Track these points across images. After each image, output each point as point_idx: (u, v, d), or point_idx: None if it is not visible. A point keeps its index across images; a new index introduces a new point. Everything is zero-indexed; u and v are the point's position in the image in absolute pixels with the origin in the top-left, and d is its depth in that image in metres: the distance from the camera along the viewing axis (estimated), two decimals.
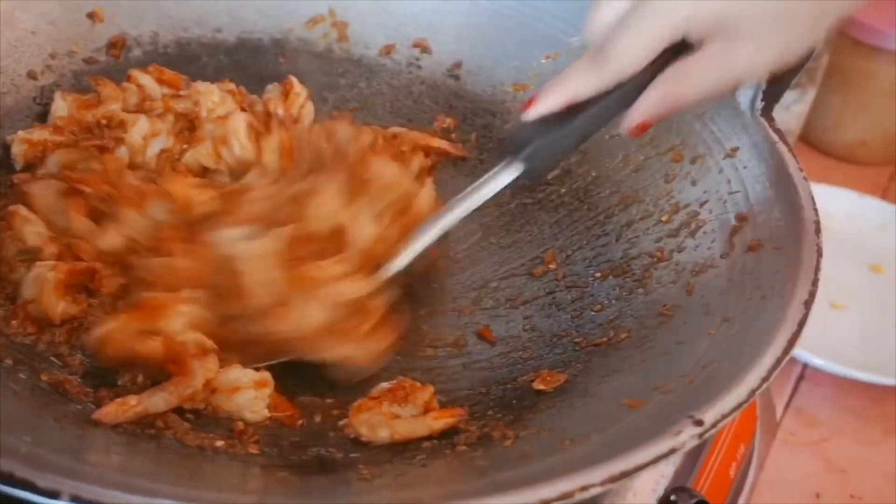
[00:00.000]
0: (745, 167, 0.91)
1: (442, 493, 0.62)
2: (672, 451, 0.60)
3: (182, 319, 0.77)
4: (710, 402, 0.64)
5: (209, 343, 0.77)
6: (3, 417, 0.61)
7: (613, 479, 0.57)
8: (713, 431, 0.62)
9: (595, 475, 0.57)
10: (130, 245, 0.84)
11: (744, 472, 1.04)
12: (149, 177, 0.91)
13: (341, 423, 0.77)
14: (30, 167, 0.92)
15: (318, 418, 0.79)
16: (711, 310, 0.80)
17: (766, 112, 0.93)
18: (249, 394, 0.76)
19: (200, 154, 0.95)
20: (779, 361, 0.67)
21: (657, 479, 0.83)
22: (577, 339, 0.87)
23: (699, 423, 0.62)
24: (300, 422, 0.78)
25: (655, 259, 0.91)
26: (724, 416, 0.63)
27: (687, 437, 0.61)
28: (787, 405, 1.26)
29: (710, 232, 0.89)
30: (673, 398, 0.69)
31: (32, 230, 0.83)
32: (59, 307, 0.77)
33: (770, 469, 1.10)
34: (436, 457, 0.71)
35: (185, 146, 0.97)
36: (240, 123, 0.96)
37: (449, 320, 0.92)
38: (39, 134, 0.93)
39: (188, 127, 0.99)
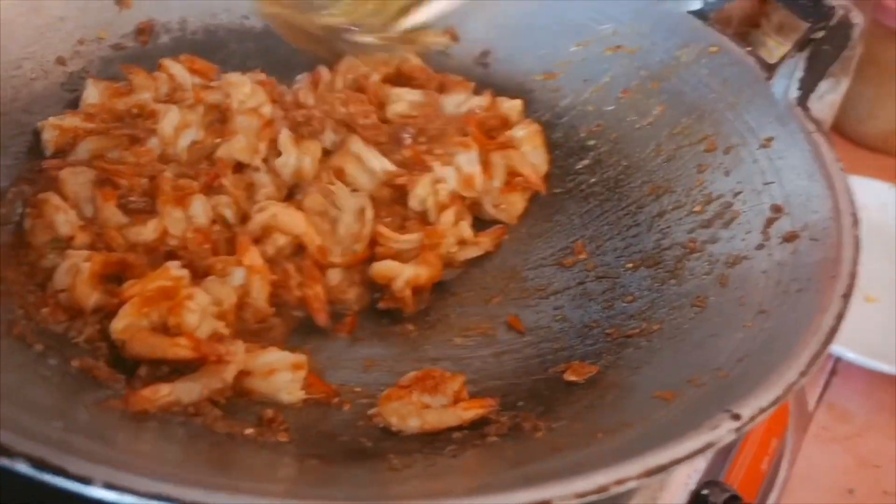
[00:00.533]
0: (780, 157, 0.90)
1: (472, 484, 0.62)
2: (709, 446, 0.59)
3: (195, 314, 0.76)
4: (746, 397, 0.63)
5: (225, 331, 0.77)
6: (33, 403, 0.61)
7: (650, 472, 0.56)
8: (750, 426, 0.61)
9: (631, 468, 0.56)
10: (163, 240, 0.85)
11: (776, 466, 1.03)
12: (182, 171, 0.91)
13: (371, 411, 0.77)
14: (60, 154, 0.92)
15: (347, 407, 0.78)
16: (746, 302, 0.79)
17: (802, 101, 0.92)
18: (286, 376, 0.76)
19: (234, 148, 0.94)
20: (817, 355, 0.66)
21: (689, 473, 0.82)
22: (608, 331, 0.86)
23: (736, 417, 0.61)
24: (336, 400, 0.78)
25: (688, 250, 0.90)
26: (762, 411, 0.62)
27: (724, 431, 0.60)
28: (819, 399, 1.24)
29: (744, 223, 0.88)
30: (707, 391, 0.68)
31: (64, 218, 0.83)
32: (92, 298, 0.77)
33: (802, 464, 1.08)
34: (466, 447, 0.71)
35: (218, 139, 0.96)
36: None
37: (478, 310, 0.91)
38: (70, 121, 0.93)
39: (219, 119, 0.99)
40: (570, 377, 0.80)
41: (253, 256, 0.83)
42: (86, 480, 0.50)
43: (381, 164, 0.96)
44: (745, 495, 0.89)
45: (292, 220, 0.87)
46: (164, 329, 0.76)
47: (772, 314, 0.75)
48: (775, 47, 1.49)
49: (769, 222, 0.85)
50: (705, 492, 0.85)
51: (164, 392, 0.70)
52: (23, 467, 0.50)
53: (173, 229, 0.86)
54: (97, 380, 0.71)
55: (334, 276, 0.87)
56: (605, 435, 0.66)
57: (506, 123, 1.06)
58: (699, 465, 0.83)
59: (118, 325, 0.75)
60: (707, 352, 0.75)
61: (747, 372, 0.69)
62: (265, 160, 0.96)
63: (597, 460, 0.60)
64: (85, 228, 0.83)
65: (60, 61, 1.00)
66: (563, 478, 0.56)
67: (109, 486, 0.50)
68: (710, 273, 0.85)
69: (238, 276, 0.82)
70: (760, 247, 0.84)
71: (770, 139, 0.91)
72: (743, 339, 0.74)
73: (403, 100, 1.05)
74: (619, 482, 0.55)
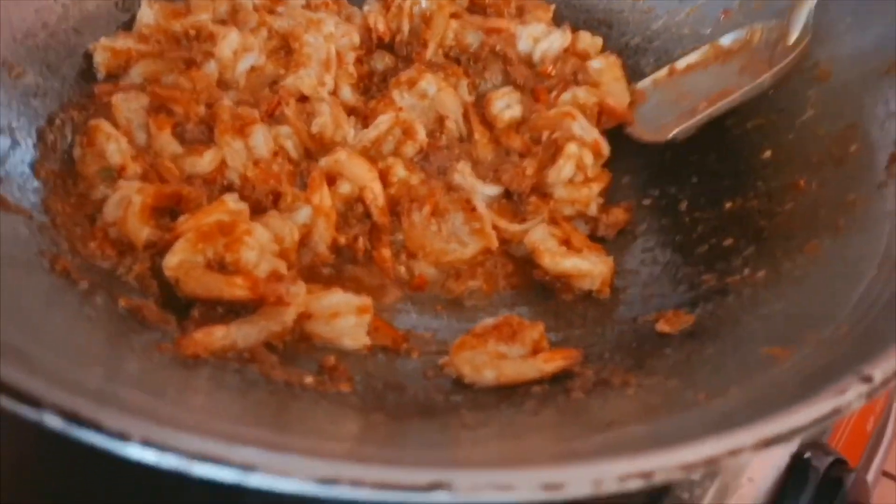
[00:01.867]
0: None
1: (557, 449, 0.54)
2: (836, 413, 0.51)
3: (254, 251, 0.70)
4: (877, 356, 0.54)
5: (285, 270, 0.71)
6: (74, 347, 0.56)
7: (767, 442, 0.48)
8: (883, 390, 0.52)
9: (744, 437, 0.48)
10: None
11: (882, 427, 0.94)
12: (241, 99, 0.85)
13: (441, 361, 0.70)
14: (112, 78, 0.86)
15: (415, 355, 0.72)
16: (867, 248, 0.69)
17: None
18: (349, 320, 0.70)
19: (302, 80, 0.87)
20: None
21: None
22: (705, 276, 0.77)
23: (867, 379, 0.52)
24: (404, 347, 0.72)
25: (796, 190, 0.80)
26: None
27: (853, 395, 0.51)
28: None
29: (862, 159, 0.77)
30: (827, 349, 0.60)
31: (115, 147, 0.77)
32: (144, 232, 0.71)
33: None
34: (547, 404, 0.64)
35: (282, 70, 0.90)
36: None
37: None
38: (123, 42, 0.87)
39: (282, 46, 0.92)
40: (662, 328, 0.72)
41: (323, 196, 0.77)
42: (122, 436, 0.44)
43: None
44: (849, 457, 0.81)
45: (358, 169, 0.81)
46: (221, 267, 0.71)
47: None
48: None
49: (893, 158, 0.75)
50: (808, 455, 0.77)
51: (219, 335, 0.65)
52: (52, 420, 0.44)
53: (232, 161, 0.80)
54: (146, 321, 0.65)
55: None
56: (708, 395, 0.58)
57: (585, 58, 0.97)
58: None
59: (171, 261, 0.69)
60: (823, 304, 0.66)
61: (874, 328, 0.60)
62: (333, 93, 0.89)
63: (701, 425, 0.52)
64: (137, 158, 0.78)
65: None
66: (664, 445, 0.48)
67: (149, 443, 0.44)
68: (822, 215, 0.76)
69: (303, 213, 0.76)
70: (883, 185, 0.74)
71: None
72: (866, 290, 0.64)
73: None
74: (732, 453, 0.48)
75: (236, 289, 0.68)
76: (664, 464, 0.46)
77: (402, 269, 0.80)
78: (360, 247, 0.79)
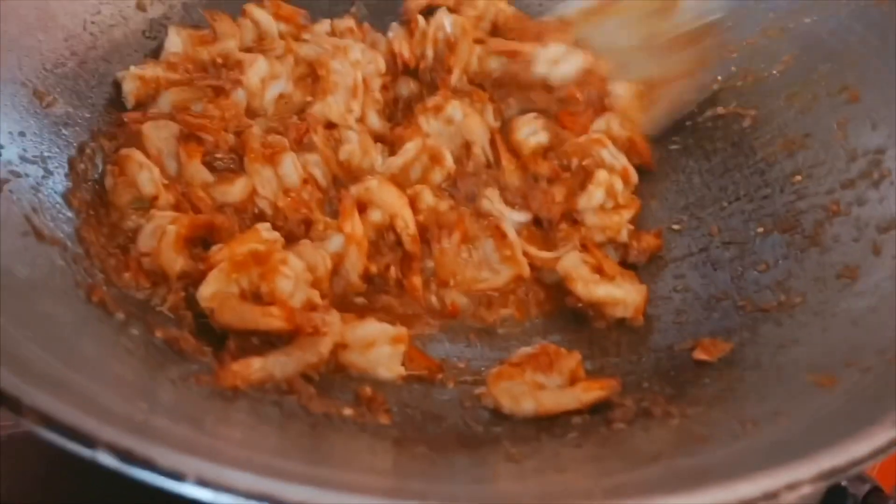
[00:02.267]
0: None
1: (609, 482, 0.53)
2: (893, 445, 0.50)
3: (289, 281, 0.70)
4: None
5: (319, 300, 0.71)
6: (116, 379, 0.55)
7: (825, 475, 0.48)
8: None
9: (802, 470, 0.48)
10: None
11: None
12: (270, 127, 0.85)
13: (478, 391, 0.69)
14: (141, 106, 0.85)
15: (451, 385, 0.71)
16: None
17: None
18: (385, 349, 0.69)
19: (330, 107, 0.87)
20: None
21: None
22: (740, 303, 0.77)
23: None
24: (440, 376, 0.71)
25: (829, 213, 0.79)
26: None
27: None
28: None
29: None
30: (876, 377, 0.59)
31: (147, 176, 0.77)
32: (178, 263, 0.71)
33: None
34: (590, 435, 0.63)
35: (308, 97, 0.90)
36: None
37: None
38: (152, 71, 0.86)
39: (309, 74, 0.92)
40: (699, 355, 0.71)
41: (355, 224, 0.77)
42: (177, 476, 0.43)
43: None
44: (885, 484, 0.80)
45: (389, 196, 0.80)
46: (256, 297, 0.70)
47: None
48: None
49: None
50: (844, 483, 0.76)
51: (256, 366, 0.64)
52: (106, 459, 0.43)
53: (263, 189, 0.79)
54: (182, 352, 0.65)
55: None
56: (756, 425, 0.57)
57: (605, 82, 0.97)
58: None
59: (206, 291, 0.69)
60: (867, 330, 0.65)
61: None
62: (360, 120, 0.89)
63: (753, 457, 0.51)
64: (169, 187, 0.77)
65: (141, 6, 0.93)
66: (718, 479, 0.48)
67: (203, 482, 0.43)
68: (859, 239, 0.75)
69: (336, 242, 0.76)
70: None
71: None
72: None
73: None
74: (790, 486, 0.47)
75: (272, 319, 0.67)
76: (723, 499, 0.46)
77: (434, 298, 0.79)
78: (392, 276, 0.79)
